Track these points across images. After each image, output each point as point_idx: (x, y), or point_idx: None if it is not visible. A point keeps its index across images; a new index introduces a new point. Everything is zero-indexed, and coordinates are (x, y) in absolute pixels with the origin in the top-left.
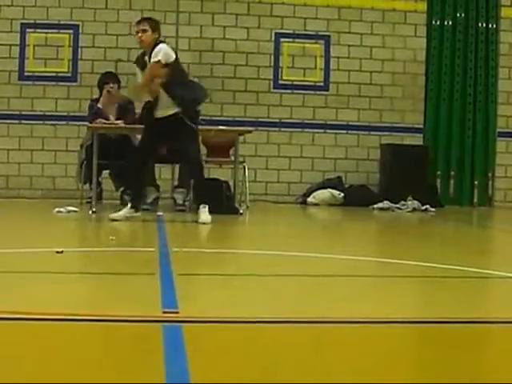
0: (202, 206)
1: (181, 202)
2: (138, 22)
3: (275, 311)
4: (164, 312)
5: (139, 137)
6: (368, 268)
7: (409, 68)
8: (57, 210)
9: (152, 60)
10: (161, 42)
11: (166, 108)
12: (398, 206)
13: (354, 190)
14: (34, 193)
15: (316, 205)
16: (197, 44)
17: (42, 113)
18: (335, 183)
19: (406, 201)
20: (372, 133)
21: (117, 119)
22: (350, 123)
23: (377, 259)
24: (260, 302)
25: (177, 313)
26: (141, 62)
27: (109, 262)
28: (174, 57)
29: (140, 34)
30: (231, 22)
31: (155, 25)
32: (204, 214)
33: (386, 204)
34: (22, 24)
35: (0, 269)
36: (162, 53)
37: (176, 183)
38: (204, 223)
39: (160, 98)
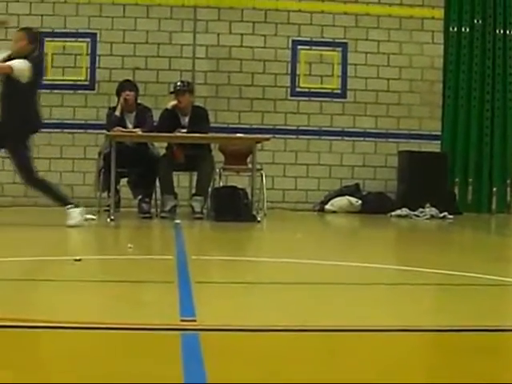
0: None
1: (198, 210)
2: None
3: (292, 319)
4: (182, 320)
5: (157, 145)
6: (386, 275)
7: (426, 75)
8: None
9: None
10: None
11: None
12: (415, 213)
13: (371, 198)
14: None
15: (334, 212)
16: (214, 52)
17: (60, 121)
18: (353, 190)
19: (424, 208)
20: (389, 140)
21: (135, 127)
22: (368, 130)
23: (394, 267)
24: (277, 310)
25: (194, 321)
26: None
27: (127, 270)
28: None
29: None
30: (248, 30)
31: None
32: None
33: (403, 211)
34: (40, 33)
35: (20, 276)
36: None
37: (194, 191)
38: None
39: None
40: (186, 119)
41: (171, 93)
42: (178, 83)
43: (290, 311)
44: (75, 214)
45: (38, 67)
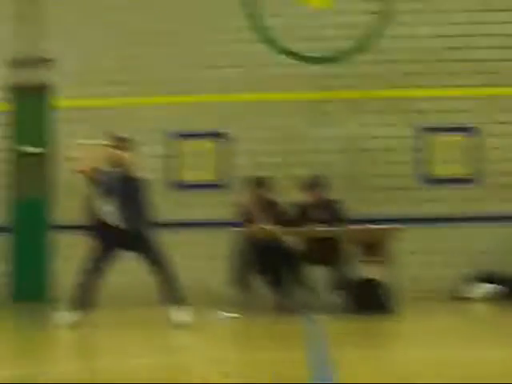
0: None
1: (335, 303)
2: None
3: None
4: None
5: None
6: None
7: None
8: (218, 314)
9: None
10: None
11: None
12: None
13: (510, 283)
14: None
15: (473, 300)
16: (345, 144)
17: (194, 220)
18: (490, 276)
19: None
20: None
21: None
22: (507, 213)
23: None
24: None
25: None
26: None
27: (263, 367)
28: None
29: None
30: (375, 120)
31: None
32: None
33: None
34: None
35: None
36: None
37: (330, 284)
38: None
39: None
40: (319, 213)
41: (302, 187)
42: (310, 178)
43: None
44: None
45: None
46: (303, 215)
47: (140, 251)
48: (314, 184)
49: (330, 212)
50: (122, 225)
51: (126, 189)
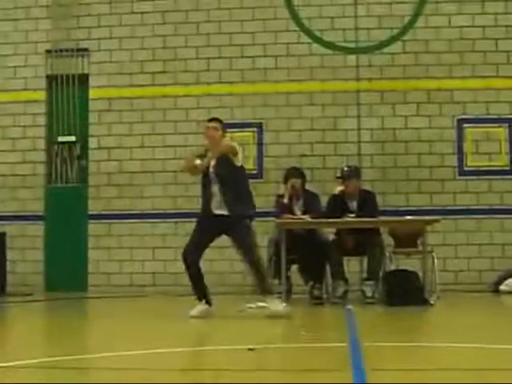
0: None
1: (370, 295)
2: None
3: None
4: None
5: (326, 230)
6: None
7: None
8: (247, 305)
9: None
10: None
11: None
12: None
13: None
14: (224, 289)
15: (509, 293)
16: (379, 135)
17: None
18: None
19: None
20: None
21: (303, 213)
22: None
23: None
24: None
25: None
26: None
27: (301, 358)
28: None
29: (211, 130)
30: (412, 111)
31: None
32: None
33: None
34: None
35: (199, 367)
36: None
37: (364, 275)
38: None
39: None
40: (354, 204)
41: (337, 178)
42: (345, 168)
43: None
44: (276, 304)
45: None
46: (339, 206)
47: (236, 237)
48: (350, 175)
49: (365, 203)
50: (225, 210)
51: (230, 175)
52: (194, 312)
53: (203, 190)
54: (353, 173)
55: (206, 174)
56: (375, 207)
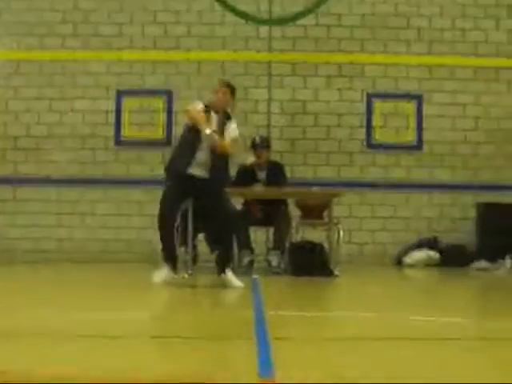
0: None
1: (275, 265)
2: (221, 83)
3: (372, 375)
4: (261, 378)
5: (233, 200)
6: (464, 330)
7: (503, 125)
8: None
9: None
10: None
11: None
12: (495, 265)
13: (450, 250)
14: (132, 256)
15: (412, 266)
16: (289, 107)
17: (139, 177)
18: (431, 243)
19: (503, 260)
20: (467, 191)
21: None
22: (445, 182)
23: (475, 321)
24: (356, 367)
25: (273, 379)
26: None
27: (204, 326)
28: None
29: (220, 95)
30: (323, 84)
31: (234, 91)
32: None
33: (483, 264)
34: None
35: (102, 333)
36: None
37: (270, 245)
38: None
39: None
40: (263, 174)
41: (250, 148)
42: (257, 139)
43: (371, 366)
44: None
45: None
46: (248, 176)
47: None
48: (262, 145)
49: (274, 174)
50: (207, 174)
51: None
52: (157, 278)
53: (185, 147)
54: (264, 143)
55: (197, 136)
56: (283, 178)
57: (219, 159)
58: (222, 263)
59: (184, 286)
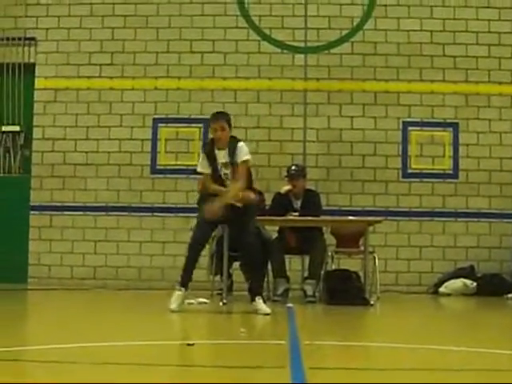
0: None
1: (310, 294)
2: (216, 119)
3: None
4: None
5: (269, 228)
6: (501, 362)
7: None
8: (188, 301)
9: (240, 160)
10: (236, 138)
11: None
12: None
13: (487, 279)
14: (166, 284)
15: (448, 295)
16: (324, 135)
17: (173, 205)
18: (467, 272)
19: None
20: (504, 220)
21: None
22: (482, 211)
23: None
24: None
25: None
26: (210, 152)
27: (239, 354)
28: None
29: (219, 133)
30: (358, 112)
31: (229, 119)
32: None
33: None
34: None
35: (134, 361)
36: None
37: (306, 274)
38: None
39: None
40: (299, 202)
41: (285, 177)
42: (293, 167)
43: None
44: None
45: None
46: (284, 204)
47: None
48: (298, 174)
49: (309, 202)
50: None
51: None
52: (174, 305)
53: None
54: (300, 172)
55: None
56: (319, 206)
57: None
58: (253, 291)
59: (219, 314)
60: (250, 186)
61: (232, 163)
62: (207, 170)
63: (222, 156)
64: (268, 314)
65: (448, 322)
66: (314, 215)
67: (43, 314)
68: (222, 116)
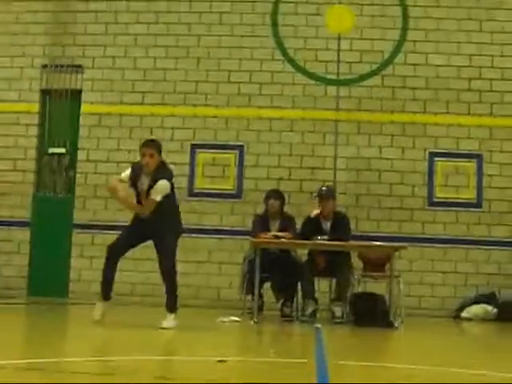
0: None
1: (339, 315)
2: (148, 146)
3: None
4: None
5: (299, 252)
6: None
7: None
8: (220, 319)
9: (153, 196)
10: (163, 164)
11: None
12: None
13: (507, 306)
14: (200, 302)
15: (469, 319)
16: (354, 163)
17: (208, 226)
18: (488, 298)
19: None
20: None
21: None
22: (504, 239)
23: None
24: None
25: None
26: (137, 173)
27: (269, 372)
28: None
29: (147, 159)
30: (387, 143)
31: (160, 148)
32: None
33: None
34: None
35: (163, 375)
36: (164, 192)
37: (333, 296)
38: (165, 328)
39: None
40: (328, 224)
41: (315, 197)
42: (323, 188)
43: None
44: (173, 319)
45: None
46: (313, 227)
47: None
48: (327, 195)
49: (339, 225)
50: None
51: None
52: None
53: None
54: (329, 193)
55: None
56: (348, 230)
57: None
58: (168, 308)
59: (250, 332)
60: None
61: (148, 192)
62: (126, 180)
63: (144, 181)
64: (164, 328)
65: (468, 345)
66: (343, 239)
67: (83, 327)
68: (153, 144)
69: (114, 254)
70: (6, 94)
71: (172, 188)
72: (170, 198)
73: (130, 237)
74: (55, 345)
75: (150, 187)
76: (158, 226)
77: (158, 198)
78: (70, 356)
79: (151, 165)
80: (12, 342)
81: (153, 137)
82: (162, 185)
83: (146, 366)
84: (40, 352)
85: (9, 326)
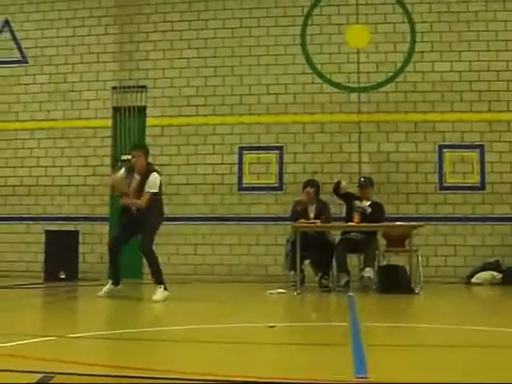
0: (158, 286)
1: (370, 275)
2: (135, 148)
3: (452, 377)
4: (357, 377)
5: (333, 232)
6: None
7: None
8: (269, 292)
9: (148, 189)
10: (150, 168)
11: None
12: None
13: (510, 271)
14: (252, 278)
15: (478, 284)
16: (375, 157)
17: (257, 215)
18: (494, 266)
19: None
20: None
21: (315, 218)
22: (505, 215)
23: None
24: (438, 369)
25: (368, 378)
26: (130, 172)
27: (311, 334)
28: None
29: (135, 159)
30: (402, 139)
31: (147, 150)
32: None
33: None
34: (239, 148)
35: (225, 339)
36: (157, 184)
37: (362, 266)
38: (156, 301)
39: None
40: (368, 209)
41: (357, 186)
42: (362, 179)
43: (452, 370)
44: (161, 292)
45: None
46: (353, 209)
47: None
48: (366, 183)
49: (375, 210)
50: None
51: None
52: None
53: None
54: (368, 182)
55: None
56: (383, 214)
57: None
58: (155, 282)
59: (294, 302)
60: None
61: (141, 189)
62: (122, 177)
63: (136, 178)
64: (156, 302)
65: (479, 306)
66: (378, 221)
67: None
68: (139, 147)
69: (115, 247)
70: (84, 113)
71: (160, 185)
72: (156, 194)
73: (126, 230)
74: (151, 316)
75: (143, 184)
76: (143, 217)
77: (152, 190)
78: (158, 326)
79: (138, 164)
80: (106, 316)
81: (142, 143)
82: (154, 178)
83: (216, 332)
84: (138, 323)
85: (99, 304)
